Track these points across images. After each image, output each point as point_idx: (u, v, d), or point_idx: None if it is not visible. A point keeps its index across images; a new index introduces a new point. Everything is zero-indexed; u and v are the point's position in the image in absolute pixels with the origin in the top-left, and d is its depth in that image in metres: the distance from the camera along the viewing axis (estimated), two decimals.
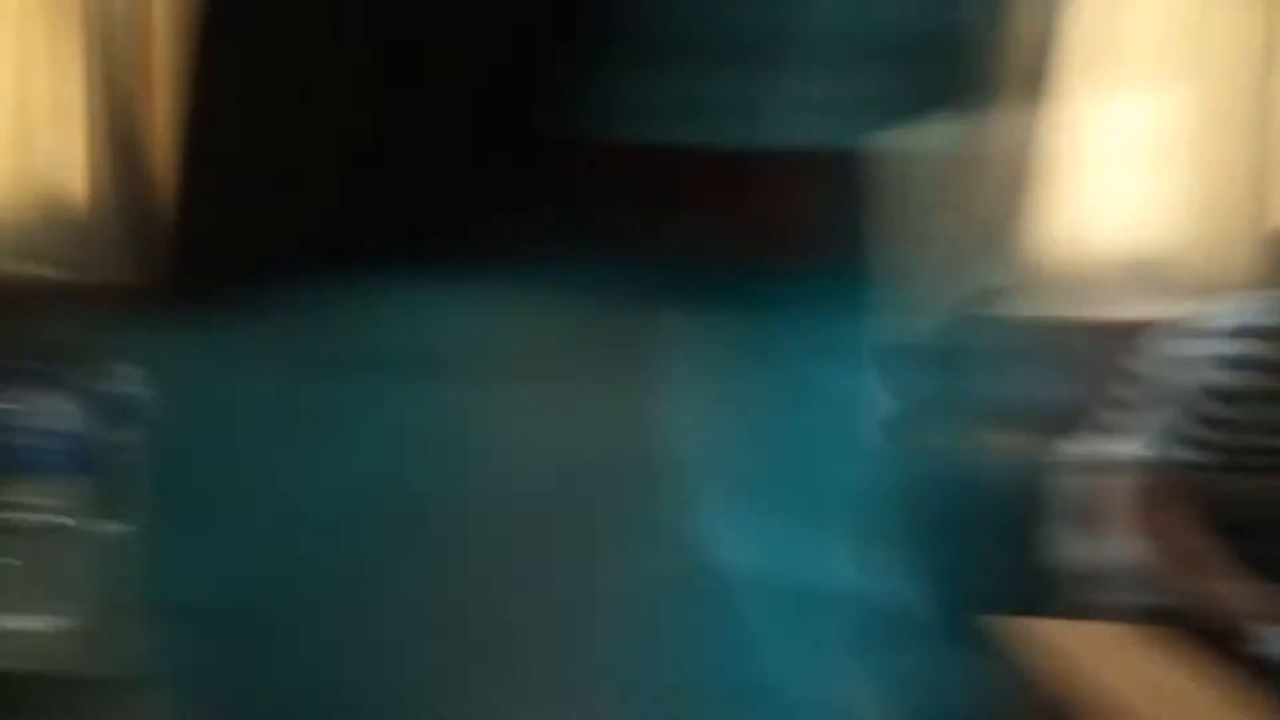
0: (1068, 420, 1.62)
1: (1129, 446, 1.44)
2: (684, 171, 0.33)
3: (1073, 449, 1.57)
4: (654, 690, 0.35)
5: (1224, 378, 1.26)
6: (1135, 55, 1.95)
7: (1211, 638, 1.13)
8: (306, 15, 0.37)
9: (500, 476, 0.34)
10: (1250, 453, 1.31)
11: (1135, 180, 2.01)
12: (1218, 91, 1.95)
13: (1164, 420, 1.31)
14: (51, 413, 1.46)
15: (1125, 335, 1.92)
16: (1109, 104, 1.98)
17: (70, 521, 1.35)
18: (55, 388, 1.48)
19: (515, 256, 0.33)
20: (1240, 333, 1.28)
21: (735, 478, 0.36)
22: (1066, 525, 1.43)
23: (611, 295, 0.33)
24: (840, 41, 0.33)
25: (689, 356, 0.35)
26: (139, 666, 0.42)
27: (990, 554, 1.32)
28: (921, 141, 0.47)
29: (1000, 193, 1.96)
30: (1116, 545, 1.33)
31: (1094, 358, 1.86)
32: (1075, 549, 1.39)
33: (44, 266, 1.67)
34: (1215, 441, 1.27)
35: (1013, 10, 0.46)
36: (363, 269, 0.33)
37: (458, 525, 0.34)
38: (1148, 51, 1.96)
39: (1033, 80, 1.83)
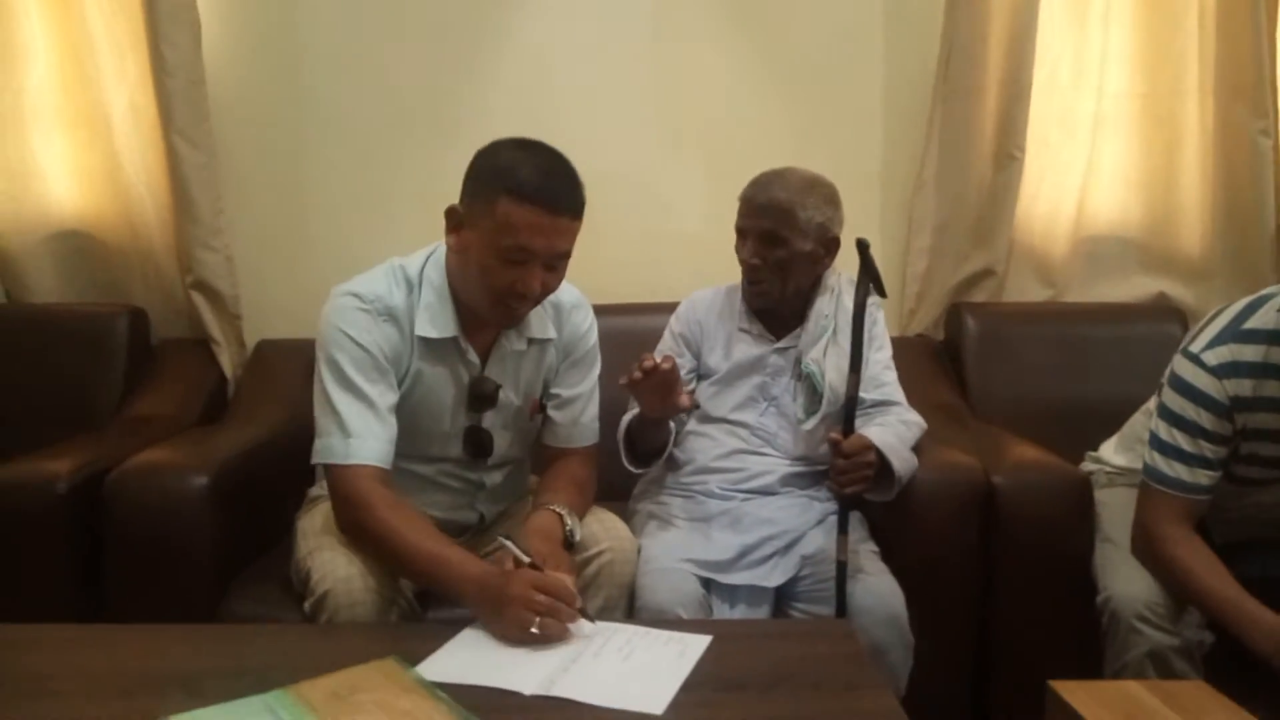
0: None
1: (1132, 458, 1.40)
2: None
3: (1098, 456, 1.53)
4: None
5: (1214, 389, 1.17)
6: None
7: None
8: None
9: None
10: (1247, 463, 1.26)
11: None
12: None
13: (1164, 434, 1.21)
14: None
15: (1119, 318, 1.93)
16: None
17: None
18: None
19: None
20: (1228, 338, 1.18)
21: None
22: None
23: None
24: None
25: None
26: None
27: None
28: None
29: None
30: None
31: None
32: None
33: None
34: (1212, 456, 1.20)
35: None
36: None
37: None
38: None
39: None
